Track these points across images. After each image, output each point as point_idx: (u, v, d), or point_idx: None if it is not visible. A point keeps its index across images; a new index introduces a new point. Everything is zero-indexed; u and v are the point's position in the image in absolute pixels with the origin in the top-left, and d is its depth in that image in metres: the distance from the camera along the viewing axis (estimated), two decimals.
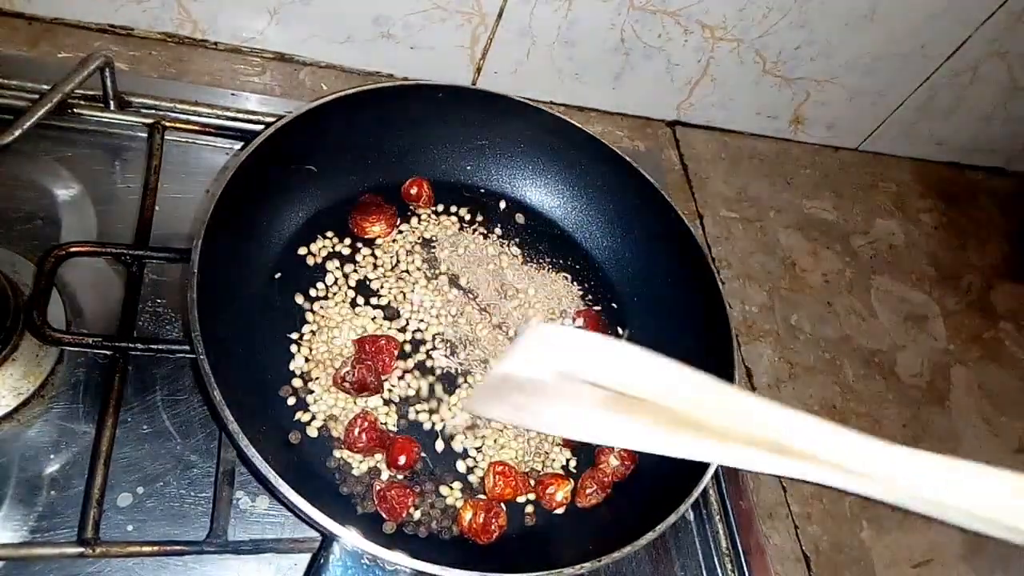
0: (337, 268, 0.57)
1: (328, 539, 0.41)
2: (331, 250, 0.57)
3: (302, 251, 0.56)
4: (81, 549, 0.42)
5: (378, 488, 0.47)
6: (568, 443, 0.54)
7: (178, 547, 0.44)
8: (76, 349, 0.49)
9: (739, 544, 0.56)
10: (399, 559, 0.39)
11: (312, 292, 0.55)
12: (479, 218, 0.64)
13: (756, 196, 0.86)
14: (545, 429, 0.47)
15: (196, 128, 0.62)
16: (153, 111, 0.61)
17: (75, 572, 0.43)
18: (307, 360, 0.52)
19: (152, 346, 0.48)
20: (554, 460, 0.53)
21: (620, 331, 0.61)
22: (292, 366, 0.51)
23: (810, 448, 0.36)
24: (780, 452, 0.36)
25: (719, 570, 0.55)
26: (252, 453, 0.40)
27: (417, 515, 0.48)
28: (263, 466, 0.39)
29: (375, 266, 0.58)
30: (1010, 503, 0.32)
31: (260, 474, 0.39)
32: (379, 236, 0.59)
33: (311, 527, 0.41)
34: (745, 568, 0.56)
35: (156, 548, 0.44)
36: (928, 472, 0.34)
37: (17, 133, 0.51)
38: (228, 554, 0.45)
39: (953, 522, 0.33)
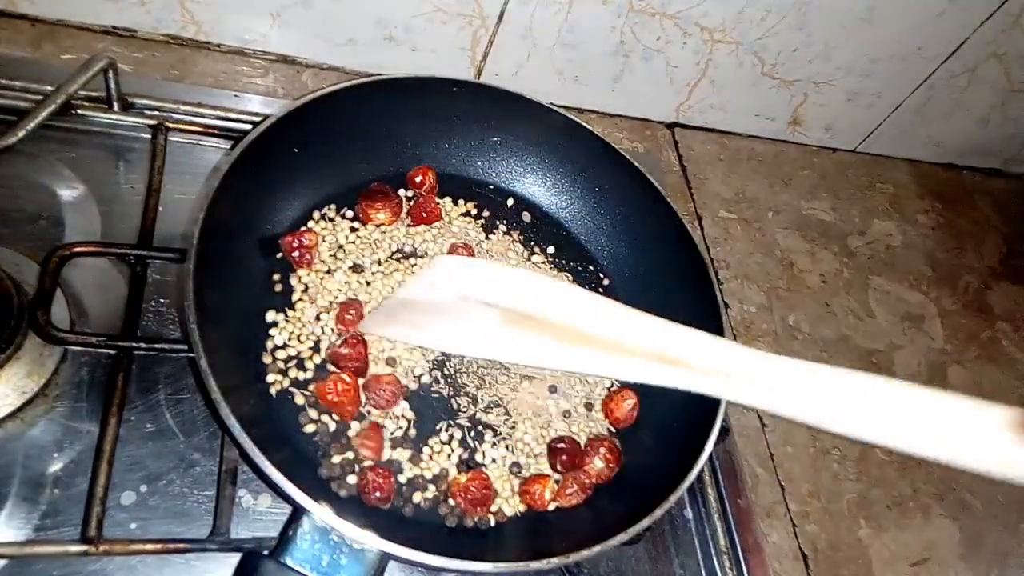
0: (339, 249, 0.58)
1: (298, 512, 0.41)
2: (334, 233, 0.58)
3: (307, 234, 0.57)
4: (84, 547, 0.42)
5: (358, 469, 0.48)
6: (551, 453, 0.54)
7: (181, 545, 0.44)
8: (80, 348, 0.49)
9: (737, 542, 0.57)
10: (367, 538, 0.39)
11: (311, 272, 0.55)
12: (485, 213, 0.65)
13: (754, 197, 0.87)
14: (443, 347, 0.48)
15: (199, 129, 0.62)
16: (156, 112, 0.61)
17: (78, 570, 0.43)
18: (292, 335, 0.53)
19: (155, 345, 0.49)
20: (530, 465, 0.53)
21: None
22: (278, 339, 0.52)
23: (687, 356, 0.40)
24: (661, 361, 0.40)
25: (718, 568, 0.56)
26: (226, 413, 0.40)
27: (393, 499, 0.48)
28: (236, 428, 0.40)
29: (375, 250, 0.59)
30: (861, 405, 0.36)
31: (234, 438, 0.40)
32: (384, 223, 0.60)
33: (284, 500, 0.41)
34: (743, 566, 0.56)
35: (159, 546, 0.44)
36: (786, 375, 0.38)
37: (21, 134, 0.51)
38: (231, 552, 0.45)
39: (811, 423, 0.38)
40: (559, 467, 0.52)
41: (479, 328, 0.42)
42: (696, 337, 0.41)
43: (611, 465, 0.53)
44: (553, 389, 0.57)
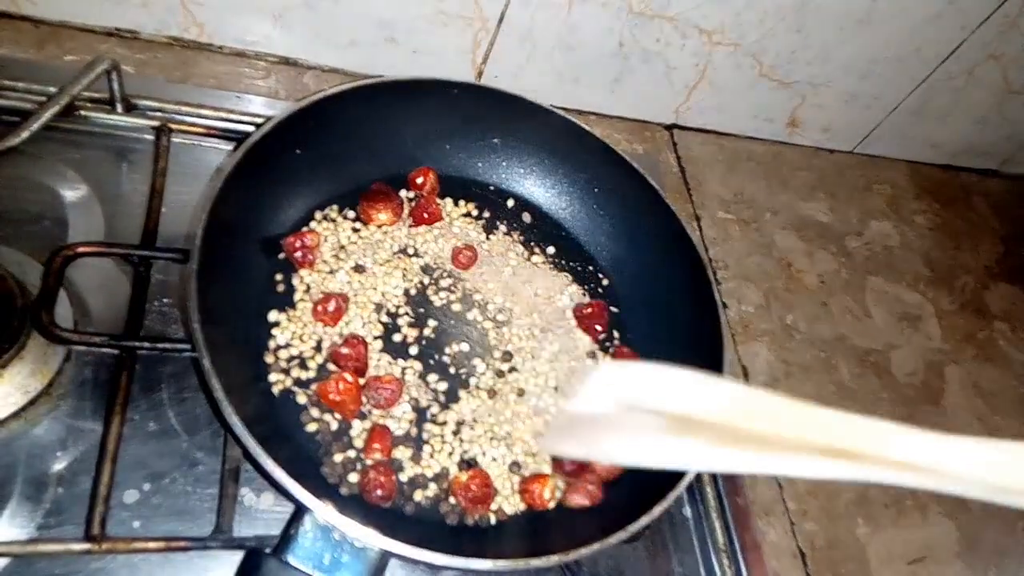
0: (341, 250, 0.58)
1: (300, 510, 0.41)
2: (336, 233, 0.59)
3: (309, 235, 0.57)
4: (88, 545, 0.42)
5: (360, 468, 0.48)
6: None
7: (184, 543, 0.45)
8: (83, 348, 0.50)
9: (736, 540, 0.57)
10: (369, 536, 0.40)
11: (313, 272, 0.56)
12: (485, 214, 0.65)
13: (753, 198, 0.87)
14: (614, 460, 0.47)
15: (202, 130, 0.63)
16: (159, 114, 0.61)
17: (81, 568, 0.43)
18: (294, 335, 0.53)
19: (159, 345, 0.49)
20: (529, 464, 0.53)
21: (616, 334, 0.62)
22: (280, 339, 0.52)
23: (874, 449, 0.34)
24: (846, 457, 0.34)
25: (716, 566, 0.56)
26: (228, 412, 0.40)
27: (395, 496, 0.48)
28: (238, 427, 0.40)
29: (376, 250, 0.59)
30: None
31: (237, 436, 0.40)
32: (385, 224, 0.60)
33: (287, 498, 0.41)
34: (742, 564, 0.56)
35: (162, 544, 0.44)
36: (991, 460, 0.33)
37: (25, 135, 0.51)
38: (233, 550, 0.45)
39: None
40: (564, 468, 0.53)
41: (644, 439, 0.41)
42: (875, 427, 0.35)
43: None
44: (555, 389, 0.57)
